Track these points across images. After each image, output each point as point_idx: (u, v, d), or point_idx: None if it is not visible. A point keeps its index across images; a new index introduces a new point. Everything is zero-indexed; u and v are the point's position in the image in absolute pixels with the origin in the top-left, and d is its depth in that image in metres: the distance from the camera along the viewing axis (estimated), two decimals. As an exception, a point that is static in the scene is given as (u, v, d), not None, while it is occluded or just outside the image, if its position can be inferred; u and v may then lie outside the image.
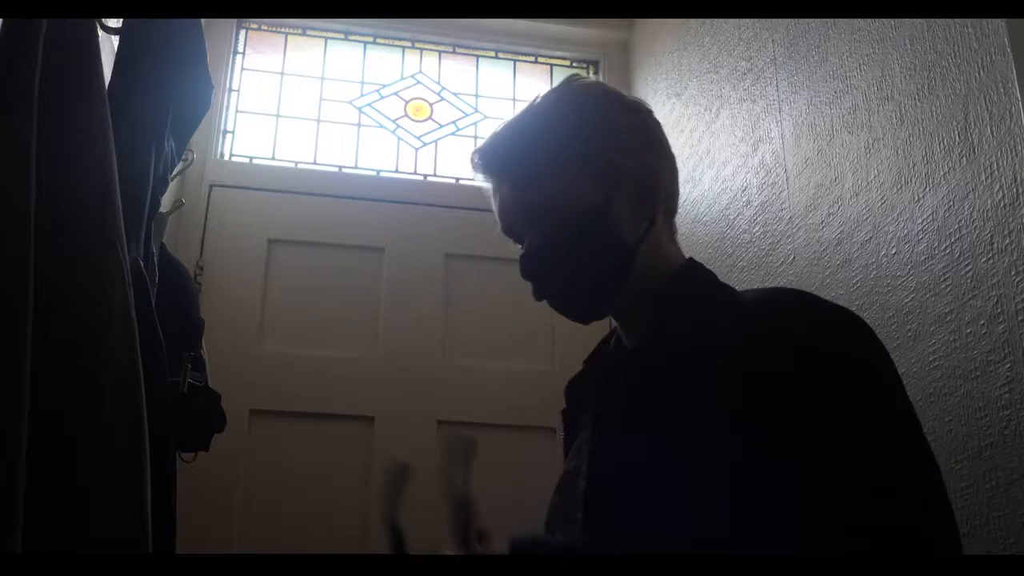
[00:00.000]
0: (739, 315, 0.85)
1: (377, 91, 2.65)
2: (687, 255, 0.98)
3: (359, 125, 2.60)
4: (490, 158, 0.97)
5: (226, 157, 2.48)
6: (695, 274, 0.95)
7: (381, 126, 2.61)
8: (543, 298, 0.95)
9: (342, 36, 2.69)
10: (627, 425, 0.88)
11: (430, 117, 2.65)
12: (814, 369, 0.77)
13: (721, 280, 0.97)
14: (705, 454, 0.78)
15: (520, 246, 0.95)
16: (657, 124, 1.00)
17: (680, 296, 0.92)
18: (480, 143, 0.98)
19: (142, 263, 1.26)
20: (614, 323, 0.99)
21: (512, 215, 0.95)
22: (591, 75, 2.77)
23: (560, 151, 0.93)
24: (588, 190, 0.92)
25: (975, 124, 1.19)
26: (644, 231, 0.93)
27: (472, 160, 0.98)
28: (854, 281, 1.43)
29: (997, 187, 1.14)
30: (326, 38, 2.68)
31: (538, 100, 0.98)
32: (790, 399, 0.75)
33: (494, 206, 0.98)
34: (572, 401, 1.02)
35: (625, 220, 0.92)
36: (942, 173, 1.25)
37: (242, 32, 2.64)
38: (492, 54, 2.77)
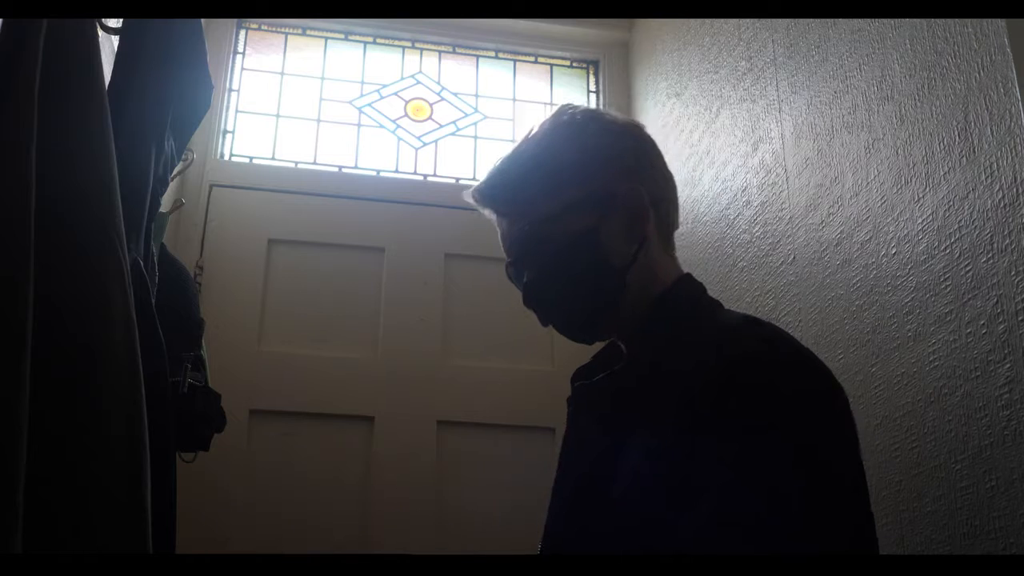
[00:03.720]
0: (706, 343, 0.87)
1: (377, 91, 2.65)
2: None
3: (359, 125, 2.60)
4: (485, 194, 1.00)
5: (226, 157, 2.48)
6: (678, 296, 0.97)
7: (381, 126, 2.61)
8: (547, 324, 0.99)
9: (342, 36, 2.69)
10: (594, 441, 0.93)
11: (430, 117, 2.65)
12: (752, 409, 0.78)
13: (710, 295, 0.99)
14: (648, 473, 0.81)
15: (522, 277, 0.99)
16: (651, 145, 1.02)
17: (657, 320, 0.95)
18: (479, 178, 1.03)
19: (142, 263, 1.26)
20: None
21: (510, 246, 0.99)
22: (591, 76, 2.77)
23: (548, 184, 0.96)
24: (576, 219, 0.94)
25: (975, 124, 1.19)
26: (634, 255, 0.95)
27: (472, 196, 1.02)
28: (854, 281, 1.43)
29: (997, 187, 1.14)
30: (326, 38, 2.68)
31: (532, 132, 1.01)
32: (723, 430, 0.77)
33: (499, 238, 1.02)
34: (574, 390, 1.05)
35: (614, 245, 0.94)
36: (942, 173, 1.25)
37: (242, 32, 2.64)
38: (492, 54, 2.77)
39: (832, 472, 0.77)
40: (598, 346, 1.07)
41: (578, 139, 0.98)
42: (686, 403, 0.80)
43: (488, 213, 1.01)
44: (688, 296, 0.97)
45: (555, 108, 1.03)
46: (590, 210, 0.94)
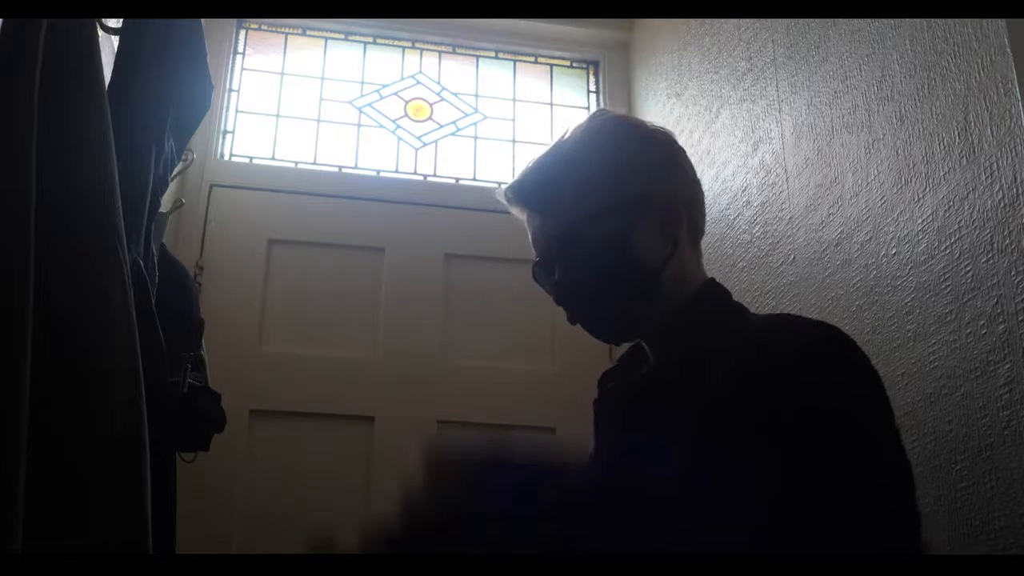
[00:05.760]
0: (740, 344, 0.89)
1: (377, 91, 2.65)
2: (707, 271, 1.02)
3: (359, 125, 2.60)
4: (519, 192, 1.02)
5: (226, 157, 2.48)
6: (708, 299, 0.99)
7: (381, 126, 2.61)
8: (576, 322, 0.99)
9: (342, 36, 2.69)
10: (627, 442, 0.94)
11: (430, 117, 2.65)
12: (804, 404, 0.79)
13: (733, 301, 1.00)
14: (688, 475, 0.81)
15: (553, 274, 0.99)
16: (680, 151, 1.04)
17: (690, 323, 0.96)
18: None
19: (142, 263, 1.26)
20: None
21: (543, 245, 0.99)
22: (591, 76, 2.78)
23: (584, 185, 0.97)
24: (611, 221, 0.95)
25: (975, 124, 1.19)
26: (667, 257, 0.97)
27: (505, 195, 1.03)
28: (854, 281, 1.43)
29: (997, 187, 1.14)
30: (326, 38, 2.68)
31: (566, 135, 1.02)
32: (775, 423, 0.78)
33: (529, 237, 1.02)
34: (603, 392, 1.05)
35: (647, 247, 0.96)
36: (942, 173, 1.25)
37: (242, 32, 2.64)
38: (492, 54, 2.77)
39: (891, 462, 0.80)
40: (601, 347, 1.07)
41: (612, 142, 1.00)
42: (732, 401, 0.81)
43: (518, 212, 1.03)
44: (717, 298, 0.99)
45: (589, 113, 1.05)
46: (625, 212, 0.95)
